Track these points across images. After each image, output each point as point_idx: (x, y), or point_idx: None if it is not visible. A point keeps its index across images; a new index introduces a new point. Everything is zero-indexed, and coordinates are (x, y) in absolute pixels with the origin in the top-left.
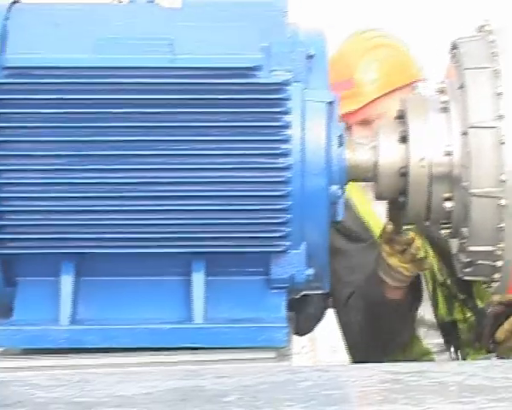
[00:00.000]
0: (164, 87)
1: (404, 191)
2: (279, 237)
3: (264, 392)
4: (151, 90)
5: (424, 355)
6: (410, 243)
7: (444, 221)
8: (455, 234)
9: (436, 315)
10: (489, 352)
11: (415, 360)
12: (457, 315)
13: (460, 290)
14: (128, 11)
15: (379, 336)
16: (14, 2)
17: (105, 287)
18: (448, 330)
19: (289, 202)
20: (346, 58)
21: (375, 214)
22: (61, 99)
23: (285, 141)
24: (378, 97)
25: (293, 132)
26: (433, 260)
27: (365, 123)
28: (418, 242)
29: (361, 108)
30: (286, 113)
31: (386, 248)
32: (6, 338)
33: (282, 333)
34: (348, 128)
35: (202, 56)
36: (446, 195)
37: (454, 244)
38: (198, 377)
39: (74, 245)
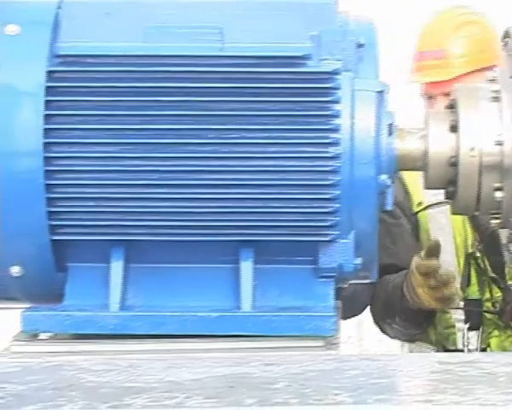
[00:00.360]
0: (213, 75)
1: (453, 181)
2: (327, 226)
3: (311, 380)
4: (200, 79)
5: (449, 328)
6: (446, 284)
7: (494, 211)
8: (505, 224)
9: (464, 291)
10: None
11: (441, 334)
12: (486, 294)
13: (492, 269)
14: (177, 0)
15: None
16: None
17: (154, 274)
18: (473, 306)
19: (338, 192)
20: (438, 29)
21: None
22: (112, 87)
23: (334, 130)
24: (467, 73)
25: (343, 122)
26: (468, 236)
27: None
28: (455, 285)
29: (449, 81)
30: (335, 102)
31: (418, 277)
32: (56, 323)
33: (329, 322)
34: (431, 98)
35: (251, 45)
36: (497, 185)
37: (504, 234)
38: (246, 364)
39: (124, 232)
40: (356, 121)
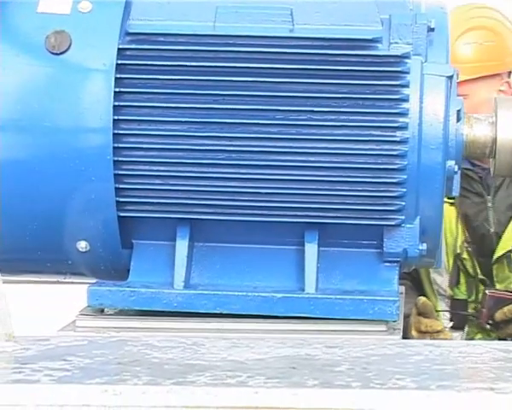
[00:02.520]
0: (283, 57)
1: None
2: (393, 210)
3: (374, 364)
4: (270, 60)
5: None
6: (434, 334)
7: None
8: None
9: (452, 290)
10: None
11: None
12: (473, 295)
13: (481, 271)
14: None
15: None
16: None
17: (218, 253)
18: (458, 306)
19: (405, 176)
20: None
21: None
22: (181, 66)
23: (402, 114)
24: (465, 81)
25: (411, 106)
26: (459, 236)
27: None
28: (445, 335)
29: None
30: (404, 86)
31: (415, 317)
32: (122, 299)
33: (393, 307)
34: None
35: (321, 27)
36: None
37: None
38: (308, 346)
39: (190, 211)
40: (424, 106)
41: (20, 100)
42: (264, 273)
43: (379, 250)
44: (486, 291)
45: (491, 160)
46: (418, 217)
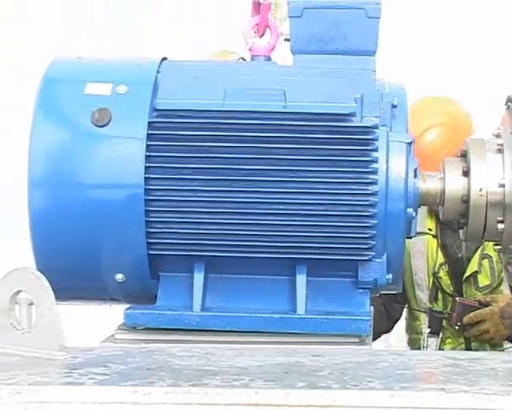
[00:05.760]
0: (278, 127)
1: (465, 214)
2: (366, 248)
3: (350, 369)
4: (267, 129)
5: (418, 334)
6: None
7: (496, 239)
8: (505, 250)
9: (431, 303)
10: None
11: (411, 339)
12: (448, 308)
13: (455, 289)
14: (250, 67)
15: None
16: (164, 59)
17: (228, 283)
18: (434, 317)
19: (375, 221)
20: (414, 125)
21: None
22: (198, 135)
23: (373, 172)
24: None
25: (380, 166)
26: (438, 260)
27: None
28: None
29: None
30: (374, 150)
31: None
32: (151, 319)
33: (366, 324)
34: None
35: (308, 104)
36: (499, 218)
37: (504, 258)
38: (298, 355)
39: (205, 249)
40: (390, 166)
41: (71, 162)
42: (263, 298)
43: (354, 279)
44: (457, 299)
45: (440, 207)
46: (385, 253)
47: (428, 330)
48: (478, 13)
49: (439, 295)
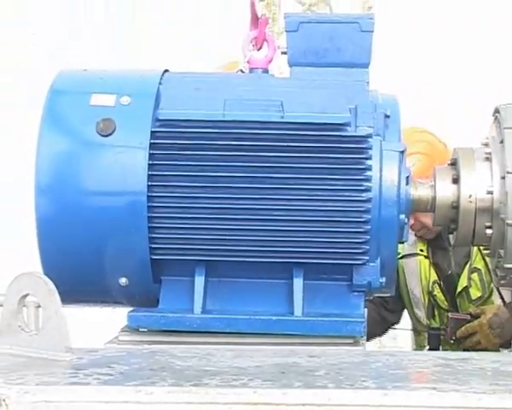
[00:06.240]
0: (276, 137)
1: (454, 220)
2: (360, 252)
3: (345, 369)
4: (266, 139)
5: (420, 348)
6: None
7: (484, 244)
8: (493, 254)
9: (429, 320)
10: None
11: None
12: (444, 324)
13: (449, 304)
14: (249, 79)
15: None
16: (165, 71)
17: (227, 286)
18: (432, 335)
19: (369, 227)
20: None
21: None
22: (198, 144)
23: (367, 180)
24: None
25: (373, 174)
26: (431, 279)
27: None
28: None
29: None
30: (368, 158)
31: None
32: (154, 322)
33: (361, 326)
34: None
35: (305, 114)
36: (488, 224)
37: (492, 262)
38: (295, 355)
39: (205, 254)
40: (383, 174)
41: (77, 170)
42: (262, 301)
43: (349, 283)
44: (449, 314)
45: (431, 213)
46: (379, 257)
47: (427, 348)
48: (475, 21)
49: (436, 312)
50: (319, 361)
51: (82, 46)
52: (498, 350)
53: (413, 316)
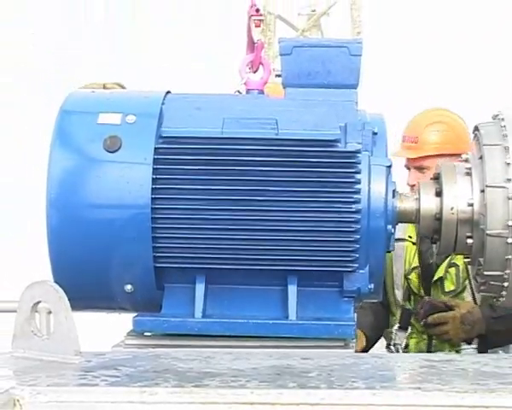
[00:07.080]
0: (271, 152)
1: (438, 231)
2: (350, 260)
3: (336, 371)
4: (262, 154)
5: (391, 328)
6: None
7: (466, 252)
8: (473, 262)
9: (404, 303)
10: (423, 332)
11: (387, 332)
12: (417, 307)
13: (424, 291)
14: (246, 99)
15: None
16: (168, 92)
17: (226, 292)
18: (405, 313)
19: (358, 236)
20: (418, 122)
21: None
22: (199, 159)
23: (356, 192)
24: (432, 155)
25: (362, 187)
26: (413, 265)
27: (419, 169)
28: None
29: (418, 158)
30: (357, 172)
31: None
32: (157, 326)
33: (351, 329)
34: (408, 169)
35: (298, 131)
36: (468, 234)
37: (472, 270)
38: (289, 358)
39: (206, 262)
40: (371, 187)
41: (85, 184)
42: (259, 306)
43: (340, 289)
44: (426, 298)
45: (416, 224)
46: (368, 265)
47: (398, 326)
48: (475, 27)
49: (412, 297)
50: (312, 363)
51: (82, 46)
52: (459, 345)
53: (392, 296)
